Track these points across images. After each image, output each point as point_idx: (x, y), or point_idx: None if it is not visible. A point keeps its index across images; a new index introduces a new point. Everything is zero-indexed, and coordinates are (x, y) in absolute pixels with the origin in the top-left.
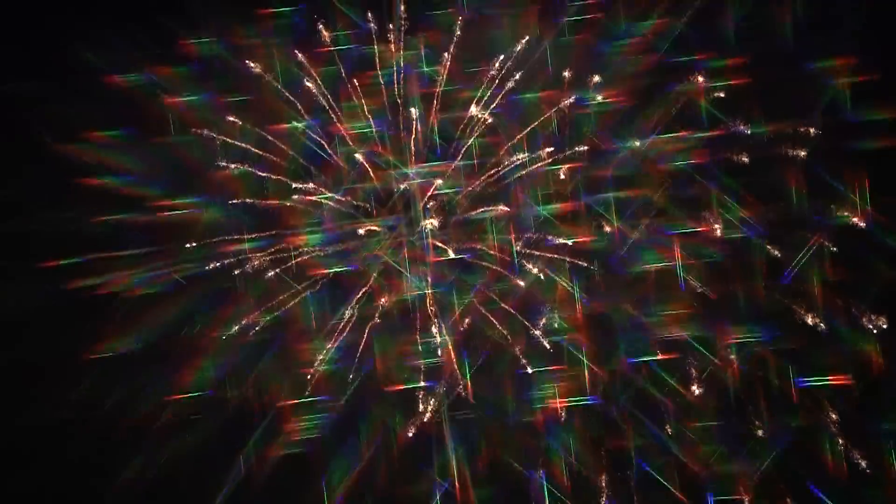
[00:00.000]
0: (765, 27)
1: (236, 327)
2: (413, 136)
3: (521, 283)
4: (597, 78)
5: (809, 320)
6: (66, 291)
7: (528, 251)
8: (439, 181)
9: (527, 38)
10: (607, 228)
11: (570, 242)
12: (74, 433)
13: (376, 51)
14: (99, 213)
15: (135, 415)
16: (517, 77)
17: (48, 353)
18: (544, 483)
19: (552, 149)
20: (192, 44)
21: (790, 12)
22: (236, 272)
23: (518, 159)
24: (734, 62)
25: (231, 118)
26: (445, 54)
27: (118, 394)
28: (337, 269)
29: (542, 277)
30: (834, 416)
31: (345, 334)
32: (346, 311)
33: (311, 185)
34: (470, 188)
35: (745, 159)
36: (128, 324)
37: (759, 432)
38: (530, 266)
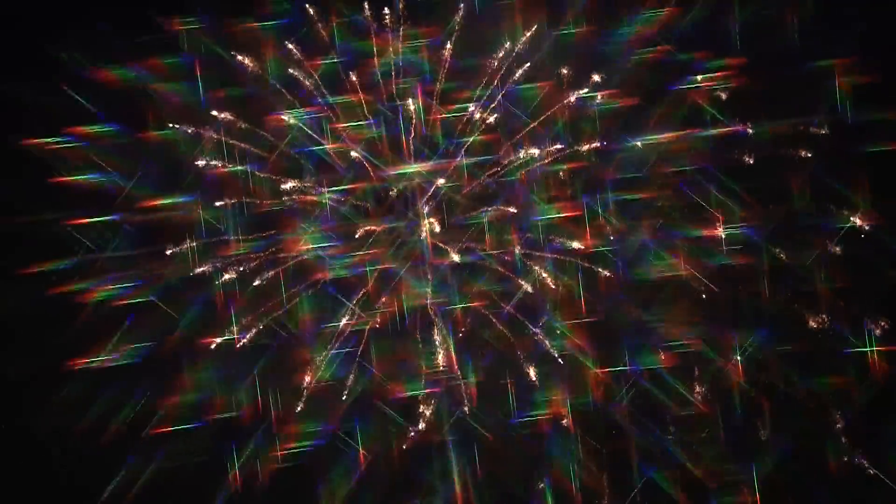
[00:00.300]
0: (769, 28)
1: (229, 333)
2: (412, 133)
3: (524, 285)
4: (597, 77)
5: (814, 323)
6: (49, 298)
7: (531, 252)
8: (441, 181)
9: (528, 34)
10: (609, 230)
11: (576, 246)
12: (60, 443)
13: (374, 44)
14: (83, 214)
15: (122, 426)
16: (518, 75)
17: (31, 361)
18: (547, 488)
19: (560, 146)
20: (180, 35)
21: (793, 14)
22: (229, 276)
23: (520, 158)
24: (737, 63)
25: (221, 114)
26: (445, 49)
27: (105, 404)
28: (334, 272)
29: (546, 280)
30: (838, 419)
31: (343, 339)
32: (344, 316)
33: (305, 183)
34: (470, 187)
35: (750, 161)
36: (115, 331)
37: (763, 436)
38: (532, 265)
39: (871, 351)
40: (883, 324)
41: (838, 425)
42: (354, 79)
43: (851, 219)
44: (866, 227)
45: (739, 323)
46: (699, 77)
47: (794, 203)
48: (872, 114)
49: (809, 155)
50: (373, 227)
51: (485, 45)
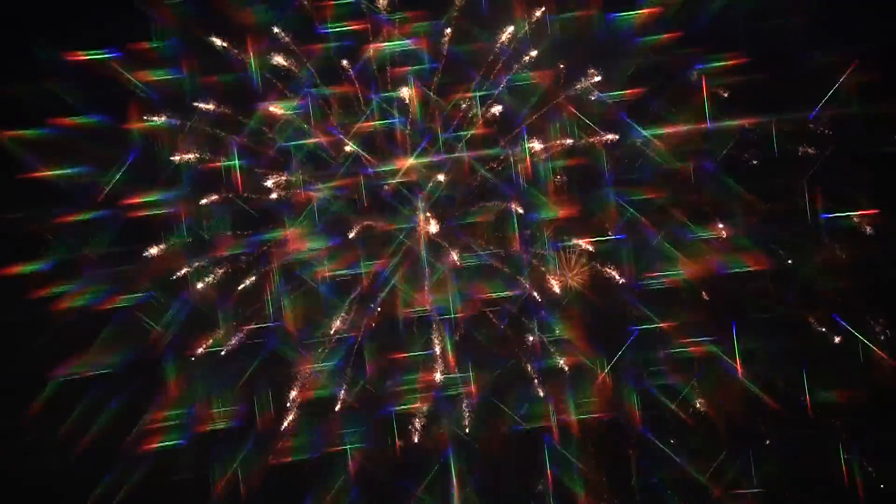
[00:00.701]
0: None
1: (216, 337)
2: (409, 126)
3: (526, 285)
4: (601, 68)
5: (817, 324)
6: (25, 301)
7: (532, 250)
8: (440, 176)
9: (530, 22)
10: (608, 227)
11: (578, 244)
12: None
13: (369, 31)
14: (56, 212)
15: (105, 435)
16: (520, 65)
17: (7, 368)
18: (548, 493)
19: (560, 140)
20: (164, 20)
21: (798, 11)
22: (216, 276)
23: (521, 151)
24: (740, 61)
25: (206, 104)
26: (444, 37)
27: (87, 416)
28: (327, 272)
29: (548, 279)
30: (843, 424)
31: (337, 342)
32: (338, 318)
33: (296, 178)
34: (470, 182)
35: (752, 159)
36: (95, 336)
37: (766, 439)
38: (534, 263)
39: (879, 354)
40: (883, 321)
41: (844, 431)
42: (348, 67)
43: (856, 218)
44: (871, 227)
45: (742, 323)
46: (694, 74)
47: (798, 202)
48: (879, 112)
49: (810, 151)
50: (368, 223)
51: (485, 33)
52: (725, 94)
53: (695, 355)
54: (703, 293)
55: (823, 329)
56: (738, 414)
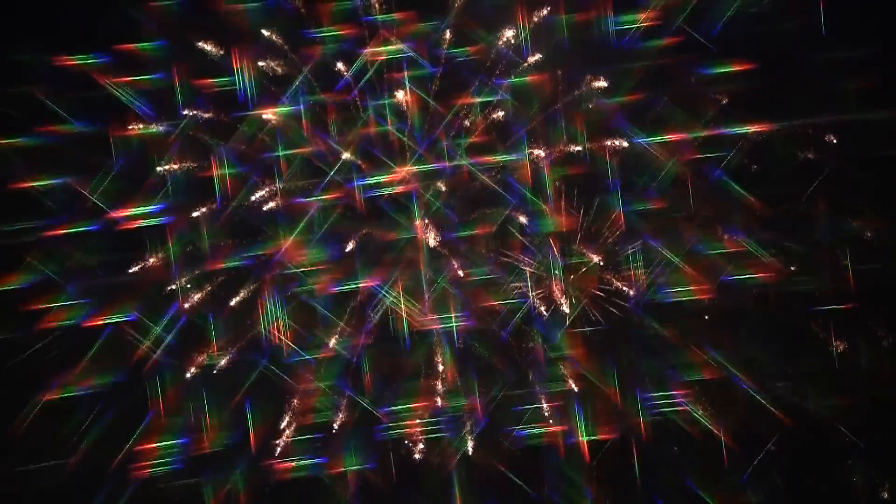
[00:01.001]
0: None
1: (207, 356)
2: (407, 132)
3: (531, 297)
4: (590, 77)
5: (821, 333)
6: (12, 318)
7: (534, 260)
8: (439, 183)
9: (531, 25)
10: (609, 236)
11: (585, 254)
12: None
13: (366, 34)
14: (46, 225)
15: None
16: (521, 69)
17: None
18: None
19: (580, 147)
20: (154, 20)
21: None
22: (207, 292)
23: (523, 158)
24: (744, 67)
25: (195, 111)
26: (443, 41)
27: (78, 433)
28: (325, 284)
29: (553, 290)
30: (846, 430)
31: (334, 359)
32: (335, 334)
33: (292, 187)
34: (470, 191)
35: (754, 165)
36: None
37: (771, 447)
38: (538, 274)
39: (883, 363)
40: (885, 327)
41: (845, 434)
42: (344, 72)
43: (858, 224)
44: (873, 233)
45: (744, 330)
46: (693, 79)
47: (800, 208)
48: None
49: (812, 157)
50: (366, 231)
51: (485, 36)
52: (724, 101)
53: (697, 363)
54: (705, 300)
55: (825, 336)
56: (740, 421)
